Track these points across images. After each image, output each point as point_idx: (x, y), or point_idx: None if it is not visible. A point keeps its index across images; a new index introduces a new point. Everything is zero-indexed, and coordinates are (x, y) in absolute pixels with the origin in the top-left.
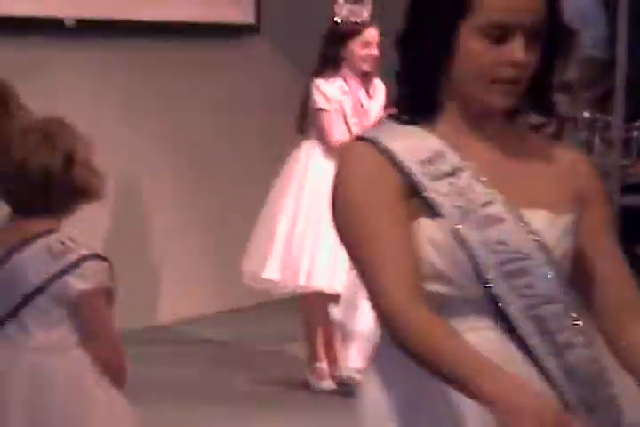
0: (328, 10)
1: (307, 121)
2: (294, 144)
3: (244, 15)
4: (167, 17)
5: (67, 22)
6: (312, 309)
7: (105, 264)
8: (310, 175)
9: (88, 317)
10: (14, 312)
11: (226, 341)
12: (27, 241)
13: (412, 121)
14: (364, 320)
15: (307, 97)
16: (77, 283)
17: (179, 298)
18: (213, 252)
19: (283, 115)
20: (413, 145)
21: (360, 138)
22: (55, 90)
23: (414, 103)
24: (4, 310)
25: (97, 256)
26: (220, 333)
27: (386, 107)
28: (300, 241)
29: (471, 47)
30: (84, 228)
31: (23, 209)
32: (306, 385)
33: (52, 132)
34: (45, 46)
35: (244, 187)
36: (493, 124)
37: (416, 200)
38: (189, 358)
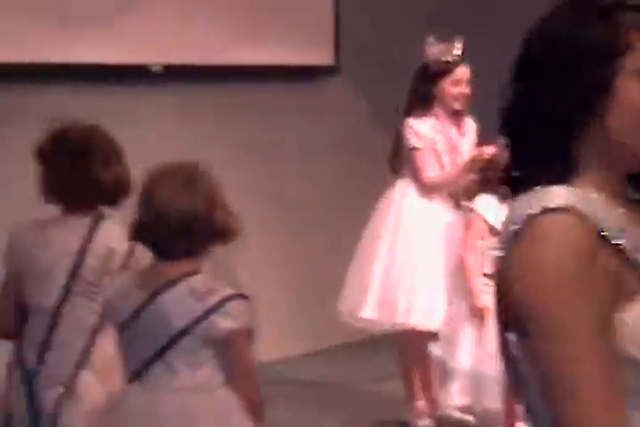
0: (406, 50)
1: (399, 160)
2: (378, 183)
3: (324, 57)
4: (249, 61)
5: (154, 68)
6: (409, 347)
7: (248, 303)
8: (405, 214)
9: (234, 356)
10: (160, 353)
11: (319, 381)
12: (170, 283)
13: (556, 181)
14: (464, 357)
15: (399, 136)
16: (224, 322)
17: (270, 338)
18: (304, 292)
19: (364, 155)
20: (607, 214)
21: (554, 208)
22: (143, 135)
23: (548, 161)
24: (149, 351)
25: (240, 296)
26: (313, 373)
27: (478, 145)
28: (397, 280)
29: (631, 93)
30: None
31: (166, 253)
32: (405, 425)
33: (193, 176)
34: (133, 93)
35: (333, 228)
36: None
37: (627, 279)
38: (282, 400)
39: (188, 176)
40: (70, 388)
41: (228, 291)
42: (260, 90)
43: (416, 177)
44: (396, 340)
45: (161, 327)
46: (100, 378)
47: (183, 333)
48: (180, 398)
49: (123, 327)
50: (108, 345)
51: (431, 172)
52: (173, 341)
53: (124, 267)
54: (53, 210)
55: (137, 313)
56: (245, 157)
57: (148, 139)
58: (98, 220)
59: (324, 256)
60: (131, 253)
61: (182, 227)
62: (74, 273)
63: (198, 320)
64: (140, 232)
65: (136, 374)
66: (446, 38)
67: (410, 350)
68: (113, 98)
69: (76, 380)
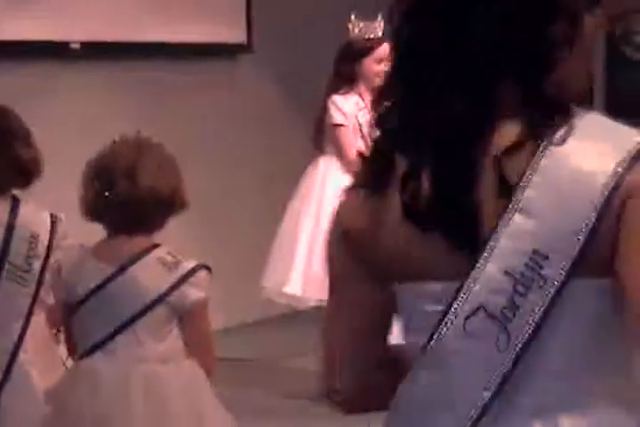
0: (320, 28)
1: (322, 137)
2: (293, 160)
3: (237, 35)
4: (165, 38)
5: (72, 45)
6: None
7: (210, 274)
8: (328, 191)
9: (197, 325)
10: (128, 324)
11: (240, 356)
12: (139, 256)
13: None
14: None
15: (323, 113)
16: (193, 292)
17: None
18: (226, 266)
19: (277, 132)
20: None
21: None
22: (60, 112)
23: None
24: (116, 322)
25: (204, 266)
26: (233, 348)
27: None
28: (321, 256)
29: None
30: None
31: (129, 228)
32: (325, 398)
33: (165, 155)
34: (52, 69)
35: (254, 203)
36: None
37: None
38: None
39: (162, 156)
40: (8, 374)
41: (193, 262)
42: (174, 67)
43: (340, 154)
44: (321, 314)
45: (131, 298)
46: (34, 362)
47: (156, 302)
48: (147, 368)
49: (81, 302)
50: (38, 329)
51: (355, 149)
52: (144, 311)
53: (48, 249)
54: None
55: (101, 286)
56: (156, 135)
57: (64, 115)
58: (15, 203)
59: (246, 233)
60: (53, 234)
61: (166, 202)
62: (1, 259)
63: (171, 289)
64: (106, 208)
65: (97, 346)
66: (369, 16)
67: None
68: (30, 74)
69: (13, 365)
